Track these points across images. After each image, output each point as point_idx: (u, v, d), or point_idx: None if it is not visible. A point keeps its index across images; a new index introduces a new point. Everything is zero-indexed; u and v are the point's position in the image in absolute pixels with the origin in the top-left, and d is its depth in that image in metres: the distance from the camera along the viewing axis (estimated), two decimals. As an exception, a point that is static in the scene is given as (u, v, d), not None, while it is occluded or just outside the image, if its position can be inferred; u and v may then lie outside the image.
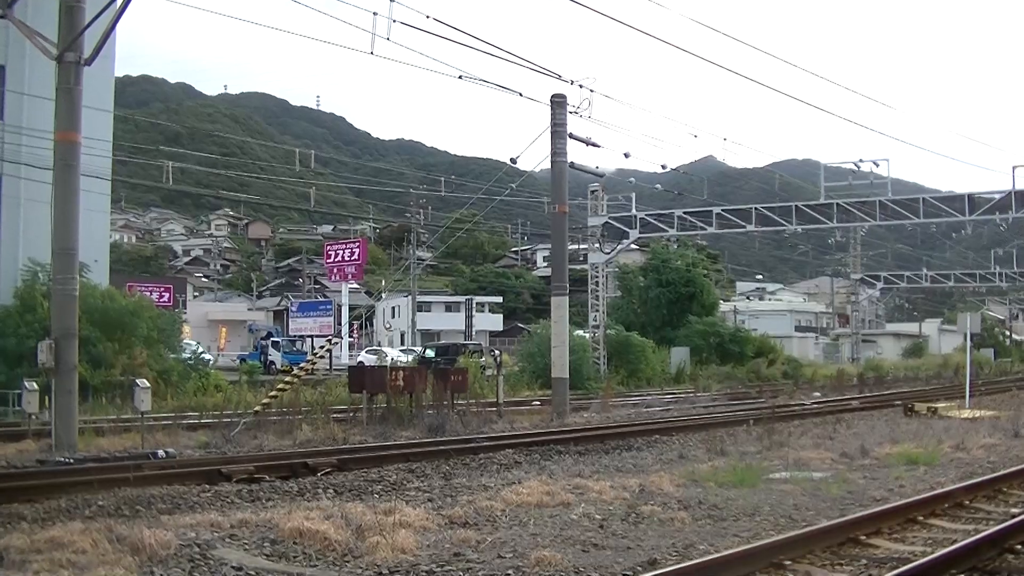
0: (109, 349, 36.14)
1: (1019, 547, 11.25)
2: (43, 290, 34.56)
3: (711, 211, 56.36)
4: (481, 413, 30.82)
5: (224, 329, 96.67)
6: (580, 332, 55.29)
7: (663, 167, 52.88)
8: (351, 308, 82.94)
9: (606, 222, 56.64)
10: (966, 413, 31.72)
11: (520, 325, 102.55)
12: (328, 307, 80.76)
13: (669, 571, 9.57)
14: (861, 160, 54.68)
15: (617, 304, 68.94)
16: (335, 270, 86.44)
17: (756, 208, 55.85)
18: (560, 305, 34.43)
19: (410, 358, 63.12)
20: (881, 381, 62.00)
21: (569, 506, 14.24)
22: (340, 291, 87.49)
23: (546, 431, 26.76)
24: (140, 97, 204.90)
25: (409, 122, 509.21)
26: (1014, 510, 14.29)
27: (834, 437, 25.04)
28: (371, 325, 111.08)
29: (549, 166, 34.44)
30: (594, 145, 36.42)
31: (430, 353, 65.35)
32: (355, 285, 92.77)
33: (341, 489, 16.56)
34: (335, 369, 61.70)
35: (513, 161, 32.88)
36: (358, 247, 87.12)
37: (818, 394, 47.63)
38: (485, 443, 23.05)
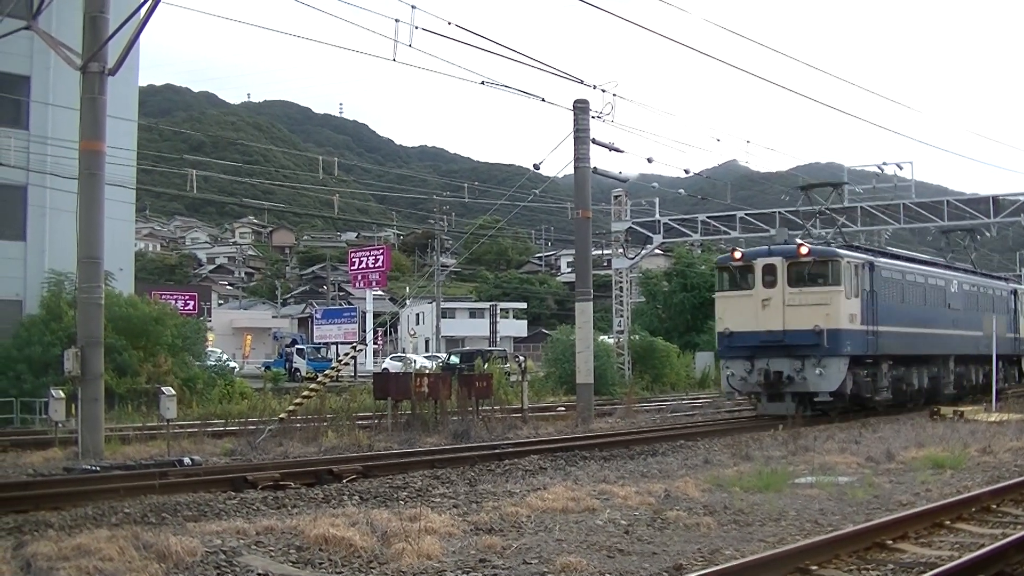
0: (134, 357, 36.34)
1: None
2: (68, 299, 34.78)
3: (735, 215, 56.19)
4: (506, 419, 30.85)
5: (249, 337, 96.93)
6: (604, 337, 55.22)
7: (686, 171, 52.63)
8: (375, 315, 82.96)
9: (629, 227, 56.60)
10: (993, 417, 31.55)
11: (544, 331, 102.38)
12: (352, 314, 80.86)
13: (695, 576, 9.55)
14: (885, 163, 54.45)
15: (641, 309, 68.84)
16: (359, 277, 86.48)
17: (780, 212, 55.67)
18: (584, 311, 34.42)
19: (435, 364, 63.12)
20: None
21: (594, 511, 14.23)
22: (364, 298, 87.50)
23: (571, 437, 26.74)
24: (164, 106, 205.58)
25: (432, 129, 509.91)
26: (1042, 514, 14.22)
27: (859, 441, 24.94)
28: (396, 332, 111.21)
29: (572, 171, 34.42)
30: (617, 150, 36.35)
31: (455, 359, 65.35)
32: (379, 292, 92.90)
33: (366, 496, 16.58)
34: (360, 376, 61.79)
35: (536, 167, 32.90)
36: (382, 254, 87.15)
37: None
38: (510, 449, 23.05)
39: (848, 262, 32.66)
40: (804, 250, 32.20)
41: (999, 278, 52.18)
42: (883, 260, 36.10)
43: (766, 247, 34.92)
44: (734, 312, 33.30)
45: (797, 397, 32.03)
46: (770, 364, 32.17)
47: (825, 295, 31.86)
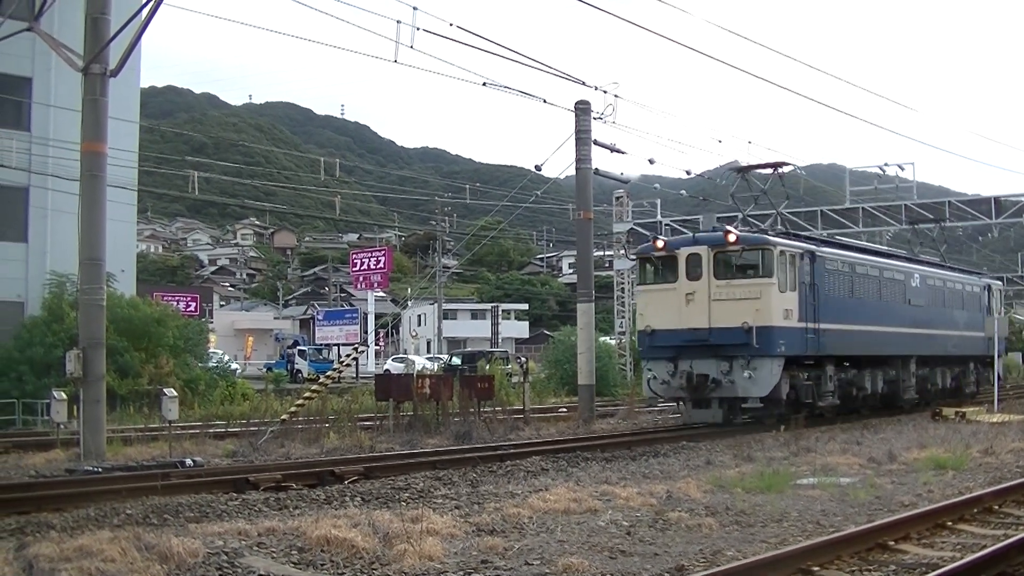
0: (136, 358, 36.37)
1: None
2: (70, 300, 34.78)
3: (736, 216, 56.17)
4: (508, 420, 30.87)
5: (250, 338, 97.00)
6: (606, 339, 55.18)
7: (688, 173, 52.49)
8: (377, 316, 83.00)
9: (631, 228, 56.57)
10: (995, 417, 31.56)
11: (546, 332, 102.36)
12: (354, 315, 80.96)
13: (697, 577, 9.54)
14: (886, 164, 54.50)
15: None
16: (361, 278, 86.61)
17: (780, 212, 55.65)
18: (586, 312, 34.43)
19: (436, 366, 63.13)
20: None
21: (596, 513, 14.22)
22: (366, 299, 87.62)
23: (573, 438, 26.77)
24: (165, 108, 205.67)
25: (433, 130, 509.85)
26: (1044, 515, 14.22)
27: (861, 442, 24.93)
28: (397, 333, 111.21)
29: (574, 173, 34.42)
30: (618, 151, 36.30)
31: (456, 361, 65.38)
32: (381, 293, 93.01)
33: (368, 497, 16.58)
34: (361, 377, 61.82)
35: (538, 168, 32.90)
36: (383, 255, 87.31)
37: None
38: (512, 450, 23.06)
39: (782, 251, 29.34)
40: (731, 237, 28.90)
41: (971, 272, 48.35)
42: (827, 250, 32.82)
43: (691, 235, 31.98)
44: (656, 308, 30.35)
45: (726, 403, 29.24)
46: (694, 366, 29.10)
47: (755, 288, 28.78)
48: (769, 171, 39.17)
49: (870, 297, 34.41)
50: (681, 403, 31.16)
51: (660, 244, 30.60)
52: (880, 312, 34.61)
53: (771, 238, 29.85)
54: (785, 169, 39.29)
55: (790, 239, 31.59)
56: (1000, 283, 49.55)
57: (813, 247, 31.45)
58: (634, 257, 33.69)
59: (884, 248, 42.41)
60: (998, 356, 41.60)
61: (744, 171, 39.09)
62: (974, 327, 42.10)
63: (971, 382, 43.85)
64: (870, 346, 34.07)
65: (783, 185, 41.29)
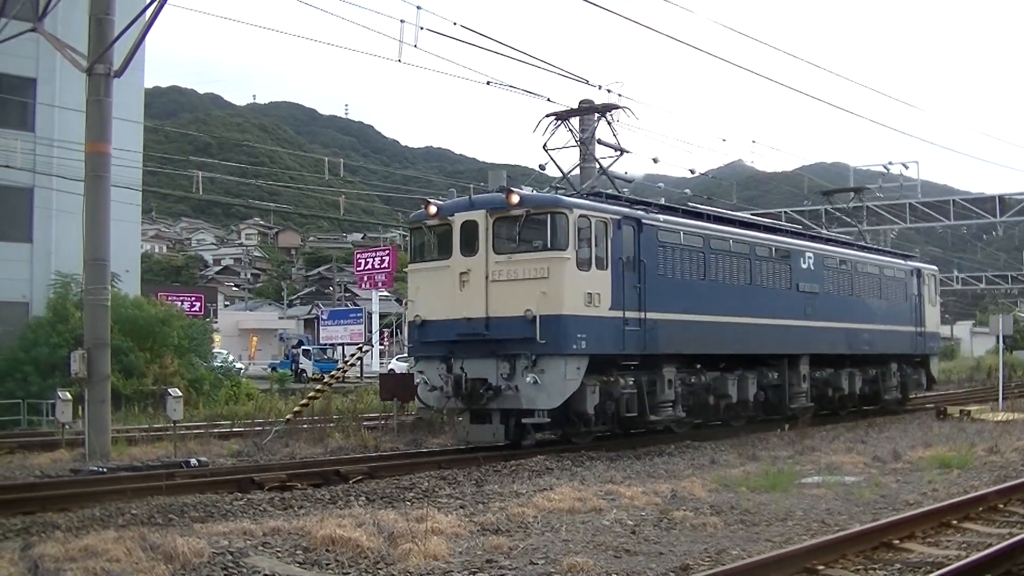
0: (141, 359, 36.45)
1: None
2: (75, 300, 34.88)
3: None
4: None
5: (255, 338, 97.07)
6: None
7: (692, 172, 52.51)
8: (381, 316, 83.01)
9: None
10: (999, 416, 31.51)
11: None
12: (358, 315, 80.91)
13: (701, 576, 9.55)
14: (890, 162, 54.64)
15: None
16: (365, 278, 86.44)
17: (786, 212, 55.70)
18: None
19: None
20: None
21: (601, 512, 14.22)
22: (370, 299, 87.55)
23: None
24: (169, 108, 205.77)
25: (437, 129, 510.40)
26: (1049, 513, 14.21)
27: (866, 441, 24.93)
28: (402, 333, 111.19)
29: (578, 172, 34.40)
30: (623, 150, 36.31)
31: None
32: (385, 293, 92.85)
33: (373, 496, 16.59)
34: (366, 377, 61.84)
35: (542, 167, 32.79)
36: (388, 255, 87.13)
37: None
38: (516, 449, 23.02)
39: (584, 216, 22.80)
40: (514, 198, 22.49)
41: (894, 254, 40.74)
42: (662, 217, 25.74)
43: (467, 198, 25.00)
44: (428, 292, 24.21)
45: (512, 416, 22.85)
46: (467, 367, 22.81)
47: (540, 264, 22.36)
48: (851, 195, 40.56)
49: (733, 280, 27.74)
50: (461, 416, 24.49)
51: (433, 209, 24.00)
52: (749, 299, 28.32)
53: (565, 199, 23.40)
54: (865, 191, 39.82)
55: (604, 201, 24.79)
56: (935, 268, 42.48)
57: (639, 212, 24.83)
58: (407, 227, 26.04)
59: (763, 220, 34.45)
60: (933, 355, 39.42)
61: (829, 194, 41.31)
62: (898, 319, 36.53)
63: (893, 386, 36.78)
64: (733, 342, 27.76)
65: (864, 206, 41.88)
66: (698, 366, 26.86)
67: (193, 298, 73.14)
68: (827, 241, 34.71)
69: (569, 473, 19.43)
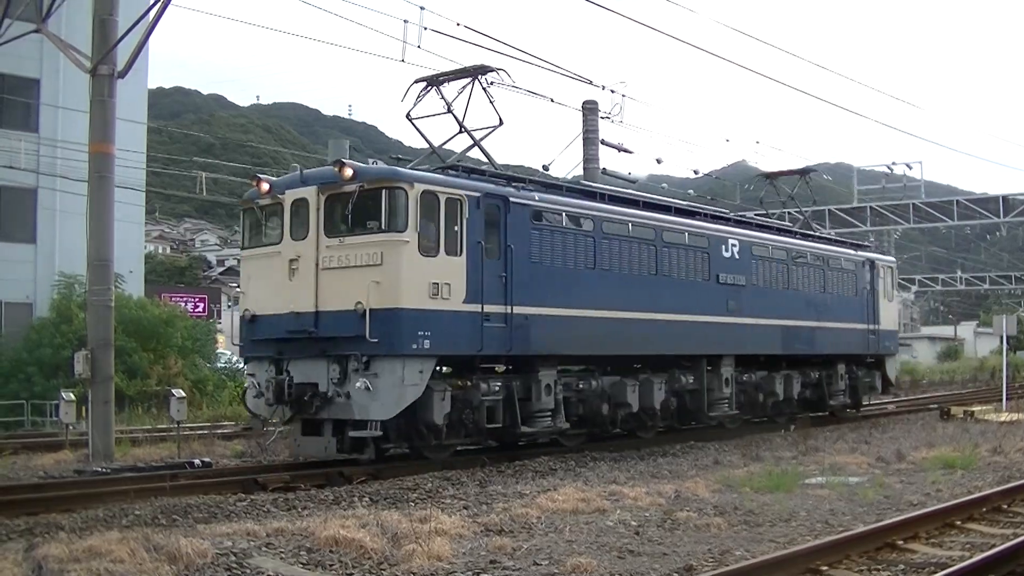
0: (145, 359, 36.50)
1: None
2: (79, 301, 34.91)
3: (744, 216, 56.23)
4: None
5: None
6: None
7: (695, 172, 52.54)
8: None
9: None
10: (1003, 416, 31.48)
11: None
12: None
13: (705, 577, 9.54)
14: (894, 163, 54.64)
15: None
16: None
17: (789, 212, 55.67)
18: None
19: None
20: (916, 385, 61.84)
21: (605, 512, 14.21)
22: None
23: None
24: (173, 108, 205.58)
25: (440, 129, 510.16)
26: (1053, 514, 14.21)
27: (870, 441, 24.92)
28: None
29: (581, 172, 34.44)
30: (626, 151, 36.36)
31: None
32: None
33: (376, 497, 16.59)
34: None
35: (545, 168, 32.79)
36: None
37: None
38: (519, 450, 23.01)
39: (429, 192, 19.54)
40: (347, 171, 19.31)
41: (843, 243, 35.93)
42: (539, 196, 22.25)
43: (299, 171, 21.05)
44: (259, 282, 21.13)
45: (348, 427, 19.52)
46: (296, 370, 19.94)
47: (374, 249, 19.16)
48: (796, 177, 36.34)
49: (633, 270, 24.25)
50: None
51: (265, 187, 20.87)
52: (655, 292, 24.83)
53: (405, 171, 20.23)
54: (811, 174, 36.00)
55: (462, 176, 21.47)
56: (892, 260, 38.63)
57: (507, 190, 21.50)
58: (239, 207, 23.35)
59: (678, 202, 29.52)
60: (889, 355, 36.08)
61: (773, 177, 36.67)
62: (847, 316, 32.89)
63: (840, 391, 33.10)
64: (634, 341, 24.37)
65: (810, 190, 37.16)
66: (591, 369, 23.90)
67: (197, 299, 73.17)
68: (761, 228, 30.84)
69: (573, 474, 19.43)
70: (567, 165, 29.18)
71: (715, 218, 28.78)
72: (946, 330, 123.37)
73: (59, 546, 11.15)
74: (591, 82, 32.44)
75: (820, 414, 32.93)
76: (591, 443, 24.17)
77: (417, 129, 23.38)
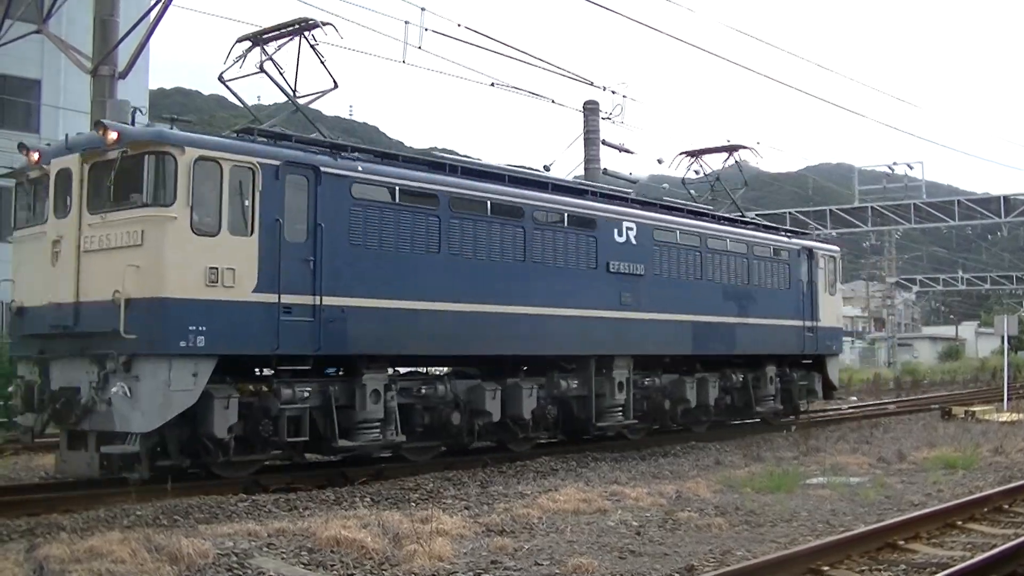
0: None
1: (1060, 551, 11.15)
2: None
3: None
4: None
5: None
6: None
7: (696, 172, 52.62)
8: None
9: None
10: (1004, 416, 31.50)
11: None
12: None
13: (706, 577, 9.55)
14: (895, 163, 54.72)
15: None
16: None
17: (790, 212, 55.71)
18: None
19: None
20: (917, 385, 61.83)
21: (606, 513, 14.22)
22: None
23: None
24: (174, 109, 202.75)
25: (442, 130, 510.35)
26: (1054, 514, 14.21)
27: (871, 442, 24.93)
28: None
29: (583, 173, 34.44)
30: (627, 151, 36.39)
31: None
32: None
33: (378, 497, 16.59)
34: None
35: (546, 168, 32.85)
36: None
37: (855, 398, 47.45)
38: (521, 450, 22.99)
39: (206, 158, 16.36)
40: (112, 135, 16.19)
41: (783, 230, 31.98)
42: (363, 166, 18.62)
43: (65, 137, 17.98)
44: (28, 268, 17.90)
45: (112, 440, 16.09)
46: (56, 372, 16.92)
47: (135, 227, 16.02)
48: (724, 155, 32.25)
49: (492, 256, 20.62)
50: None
51: (35, 156, 17.80)
52: (522, 282, 21.18)
53: (174, 133, 16.62)
54: (741, 152, 32.00)
55: (258, 140, 17.84)
56: (836, 249, 33.85)
57: (314, 158, 17.90)
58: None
59: (557, 178, 25.65)
60: (831, 355, 32.00)
61: (697, 155, 32.18)
62: (777, 311, 28.85)
63: (770, 395, 29.06)
64: (493, 340, 20.66)
65: (740, 171, 33.01)
66: (441, 372, 20.89)
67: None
68: (670, 210, 26.72)
69: (574, 474, 19.43)
70: (568, 165, 29.09)
71: (607, 197, 24.62)
72: (947, 330, 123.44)
73: (60, 546, 11.16)
74: (592, 83, 32.51)
75: (746, 421, 29.72)
76: (444, 460, 20.96)
77: (231, 90, 20.51)
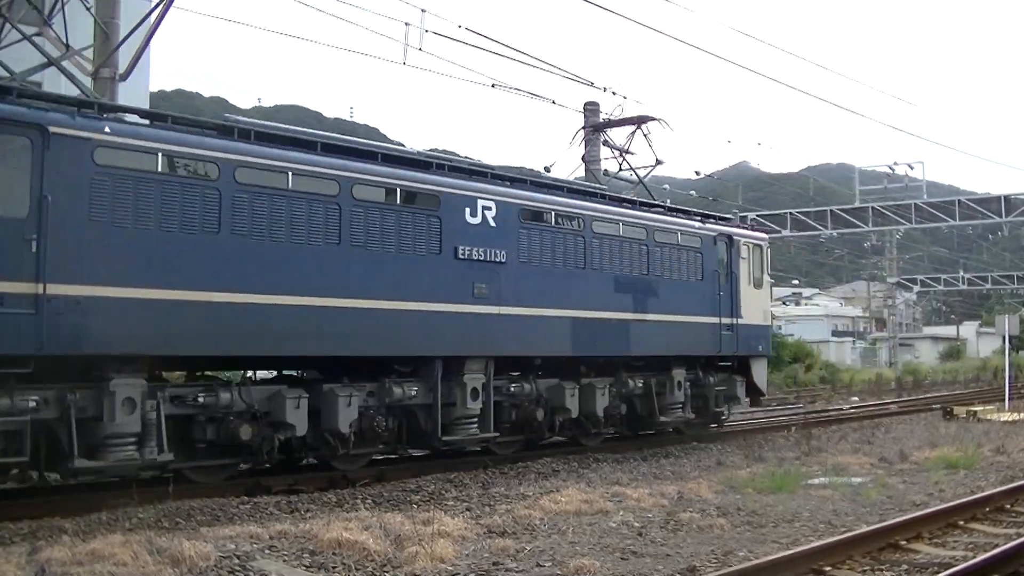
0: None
1: (1062, 551, 11.16)
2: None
3: (746, 216, 56.26)
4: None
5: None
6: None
7: (697, 173, 52.66)
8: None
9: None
10: (1006, 416, 31.50)
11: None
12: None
13: (708, 578, 9.55)
14: (896, 163, 54.78)
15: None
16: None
17: (791, 213, 55.75)
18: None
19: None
20: (919, 385, 61.80)
21: (607, 514, 14.22)
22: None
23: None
24: (175, 111, 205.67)
25: (443, 131, 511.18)
26: (1056, 514, 14.21)
27: (873, 442, 24.93)
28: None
29: (583, 174, 34.44)
30: (628, 152, 36.37)
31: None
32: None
33: (379, 499, 16.58)
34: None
35: (547, 169, 32.82)
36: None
37: (856, 399, 47.46)
38: (522, 451, 22.98)
39: None
40: None
41: (695, 214, 27.23)
42: (114, 127, 15.24)
43: None
44: None
45: None
46: None
47: None
48: (631, 127, 29.62)
49: (293, 238, 16.88)
50: None
51: None
52: (338, 269, 17.53)
53: None
54: (649, 124, 29.25)
55: None
56: (763, 236, 29.44)
57: (40, 115, 14.46)
58: None
59: (389, 147, 21.36)
60: (756, 356, 27.83)
61: (602, 128, 30.05)
62: (686, 306, 25.01)
63: (678, 402, 25.10)
64: (292, 337, 16.92)
65: (650, 145, 30.49)
66: (225, 377, 18.07)
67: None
68: (544, 187, 22.55)
69: (576, 475, 19.43)
70: (569, 166, 29.06)
71: (456, 170, 20.52)
72: (948, 330, 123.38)
73: (62, 549, 11.16)
74: (592, 84, 32.42)
75: (648, 433, 25.88)
76: (233, 480, 17.60)
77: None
